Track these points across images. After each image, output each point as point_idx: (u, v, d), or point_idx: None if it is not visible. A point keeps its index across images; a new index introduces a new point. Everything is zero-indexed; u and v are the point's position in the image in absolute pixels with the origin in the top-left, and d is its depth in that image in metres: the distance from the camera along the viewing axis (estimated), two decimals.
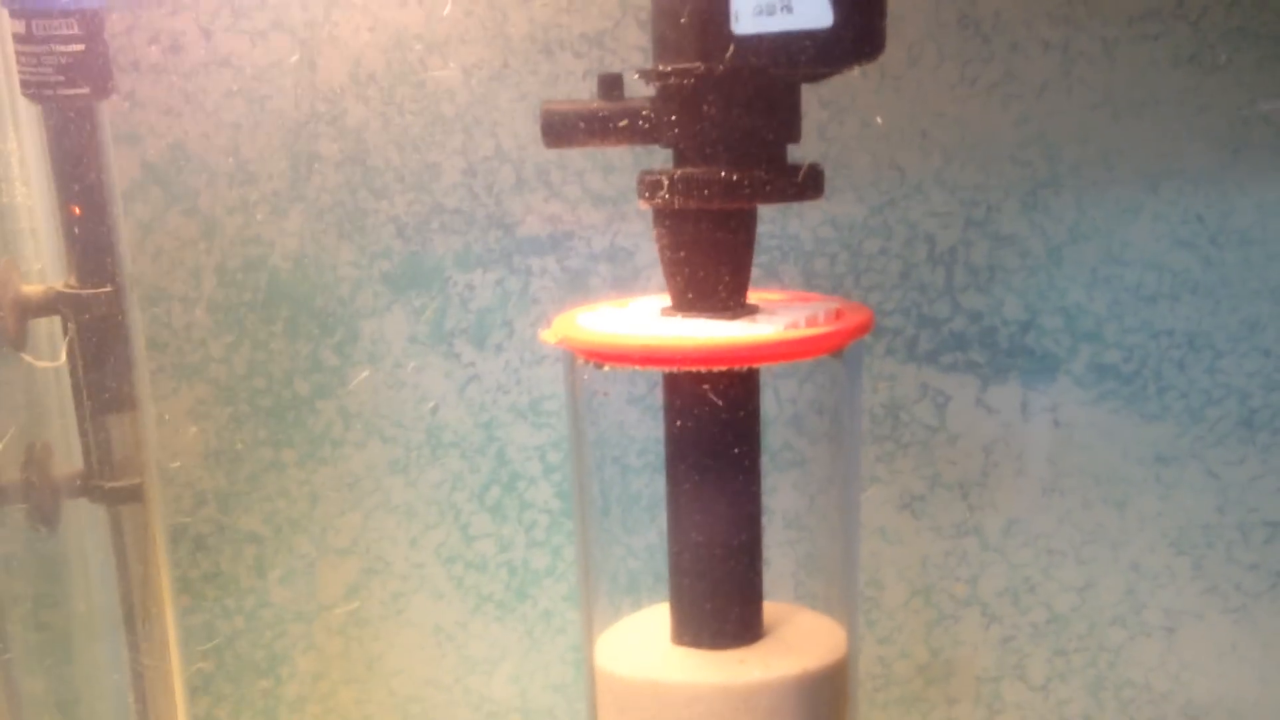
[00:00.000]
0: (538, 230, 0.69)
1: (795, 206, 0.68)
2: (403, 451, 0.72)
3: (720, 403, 0.47)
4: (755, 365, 0.46)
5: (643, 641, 0.51)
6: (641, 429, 0.58)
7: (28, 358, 0.60)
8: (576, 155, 0.68)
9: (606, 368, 0.47)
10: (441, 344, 0.71)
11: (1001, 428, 0.70)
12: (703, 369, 0.45)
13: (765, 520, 0.50)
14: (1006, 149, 0.67)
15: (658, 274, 0.49)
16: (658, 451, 0.49)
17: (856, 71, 0.65)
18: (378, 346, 0.71)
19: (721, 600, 0.49)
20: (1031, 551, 0.71)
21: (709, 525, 0.48)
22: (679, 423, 0.48)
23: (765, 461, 0.50)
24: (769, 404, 0.58)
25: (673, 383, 0.48)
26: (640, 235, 0.68)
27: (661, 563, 0.50)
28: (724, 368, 0.45)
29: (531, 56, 0.67)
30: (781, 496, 0.64)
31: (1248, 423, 0.68)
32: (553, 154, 0.68)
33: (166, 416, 0.71)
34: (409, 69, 0.68)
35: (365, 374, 0.69)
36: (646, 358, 0.45)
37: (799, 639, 0.50)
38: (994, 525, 0.71)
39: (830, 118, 0.67)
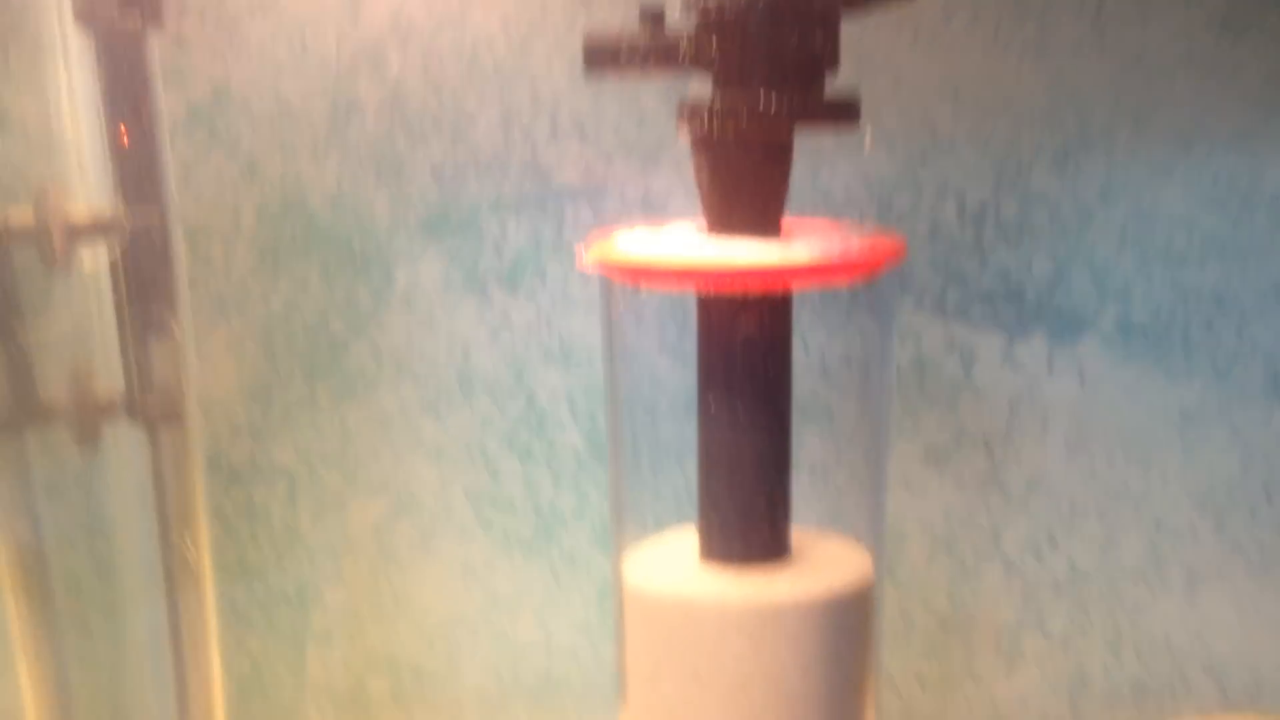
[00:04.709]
0: (572, 177, 0.70)
1: (827, 159, 0.68)
2: (434, 393, 0.73)
3: (754, 319, 0.47)
4: (790, 288, 0.47)
5: (670, 558, 0.52)
6: (673, 377, 0.59)
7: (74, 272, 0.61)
8: (611, 105, 0.69)
9: (644, 291, 0.48)
10: (475, 288, 0.72)
11: (1027, 384, 0.70)
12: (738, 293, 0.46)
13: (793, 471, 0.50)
14: (1038, 108, 0.67)
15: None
16: (690, 395, 0.50)
17: (890, 24, 0.66)
18: (412, 289, 0.72)
19: (750, 515, 0.49)
20: (1054, 507, 0.71)
21: (739, 440, 0.49)
22: (712, 338, 0.48)
23: (795, 413, 0.50)
24: (798, 354, 0.58)
25: (708, 299, 0.48)
26: (673, 184, 0.69)
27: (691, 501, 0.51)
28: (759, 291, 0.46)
29: (569, 7, 0.68)
30: (809, 449, 0.65)
31: (1274, 383, 0.68)
32: (588, 103, 0.69)
33: (205, 350, 0.72)
34: (449, 18, 0.69)
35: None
36: (683, 277, 0.46)
37: (826, 560, 0.51)
38: (1017, 480, 0.71)
39: (863, 74, 0.67)
